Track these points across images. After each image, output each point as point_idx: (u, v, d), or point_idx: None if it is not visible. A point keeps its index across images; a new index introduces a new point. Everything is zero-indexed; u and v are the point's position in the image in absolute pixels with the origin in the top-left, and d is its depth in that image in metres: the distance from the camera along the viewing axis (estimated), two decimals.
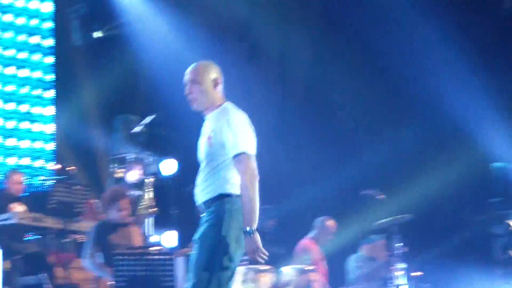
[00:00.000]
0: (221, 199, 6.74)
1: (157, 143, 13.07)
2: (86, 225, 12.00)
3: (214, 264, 6.67)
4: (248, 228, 6.50)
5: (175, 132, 14.44)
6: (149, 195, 12.08)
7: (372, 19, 16.10)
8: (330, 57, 16.32)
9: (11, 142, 15.64)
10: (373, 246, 12.84)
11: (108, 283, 10.20)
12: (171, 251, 11.21)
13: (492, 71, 15.72)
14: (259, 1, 16.68)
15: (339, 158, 16.20)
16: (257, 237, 6.53)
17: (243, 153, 6.68)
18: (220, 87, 7.01)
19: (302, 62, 16.60)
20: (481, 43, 15.93)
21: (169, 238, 12.60)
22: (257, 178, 6.83)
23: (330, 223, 13.25)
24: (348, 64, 16.23)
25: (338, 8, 16.02)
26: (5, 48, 15.72)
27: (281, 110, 16.49)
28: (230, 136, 6.69)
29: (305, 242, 13.15)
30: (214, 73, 7.00)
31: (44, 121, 16.23)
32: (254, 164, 6.87)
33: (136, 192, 12.56)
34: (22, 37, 15.88)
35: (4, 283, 11.32)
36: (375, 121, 16.49)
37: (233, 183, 6.89)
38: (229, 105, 6.93)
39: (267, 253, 6.83)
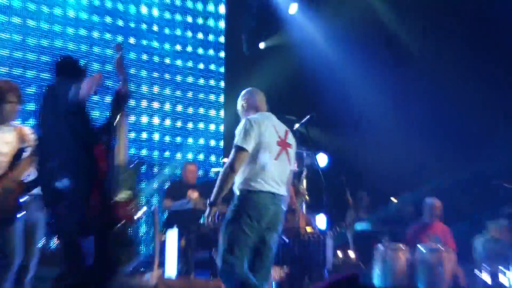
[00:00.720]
0: (235, 195, 7.79)
1: (310, 140, 13.63)
2: None
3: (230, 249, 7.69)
4: (208, 200, 7.74)
5: (326, 130, 14.94)
6: (303, 184, 12.37)
7: None
8: (473, 64, 15.59)
9: (189, 140, 16.20)
10: (500, 228, 12.67)
11: None
12: (323, 232, 11.41)
13: None
14: (406, 8, 16.20)
15: (471, 149, 15.53)
16: (213, 208, 7.63)
17: (235, 145, 7.70)
18: (248, 108, 8.29)
19: (447, 67, 15.85)
20: None
21: (321, 221, 12.61)
22: (233, 165, 7.66)
23: (436, 203, 13.01)
24: (486, 68, 15.50)
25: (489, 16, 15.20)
26: (186, 60, 16.34)
27: (426, 109, 16.09)
28: (236, 136, 7.90)
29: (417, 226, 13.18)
30: (241, 101, 8.43)
31: (216, 122, 16.73)
32: (238, 154, 7.68)
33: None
34: (200, 51, 16.48)
35: (179, 257, 12.03)
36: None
37: (242, 181, 7.79)
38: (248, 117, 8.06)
39: (212, 226, 8.16)
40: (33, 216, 8.40)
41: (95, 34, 15.49)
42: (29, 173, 8.27)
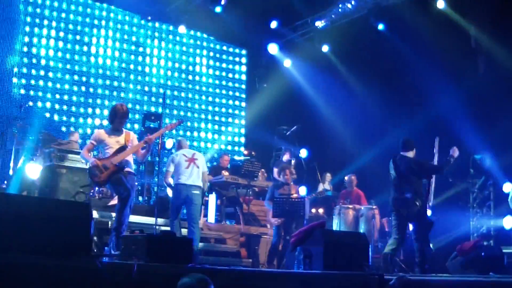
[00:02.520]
0: None
1: (296, 140, 15.40)
2: (260, 183, 14.17)
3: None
4: None
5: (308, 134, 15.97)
6: (292, 167, 14.07)
7: None
8: None
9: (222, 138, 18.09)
10: None
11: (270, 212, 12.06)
12: (303, 197, 12.48)
13: None
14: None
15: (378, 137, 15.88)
16: None
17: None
18: (177, 148, 11.47)
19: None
20: None
21: (302, 190, 13.71)
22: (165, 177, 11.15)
23: (352, 177, 14.14)
24: None
25: None
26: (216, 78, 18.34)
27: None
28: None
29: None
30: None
31: (238, 127, 18.56)
32: (166, 173, 11.27)
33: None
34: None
35: (216, 211, 13.61)
36: None
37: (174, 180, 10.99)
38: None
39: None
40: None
41: None
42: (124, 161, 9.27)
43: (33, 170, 11.82)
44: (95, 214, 10.19)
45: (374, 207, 13.31)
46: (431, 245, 12.64)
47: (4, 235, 6.28)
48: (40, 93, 15.26)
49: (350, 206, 13.39)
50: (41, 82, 15.33)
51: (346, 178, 14.28)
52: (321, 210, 14.51)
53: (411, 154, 10.40)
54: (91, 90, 16.16)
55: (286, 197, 12.09)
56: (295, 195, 12.55)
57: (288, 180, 12.37)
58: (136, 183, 11.23)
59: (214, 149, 17.77)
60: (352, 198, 13.79)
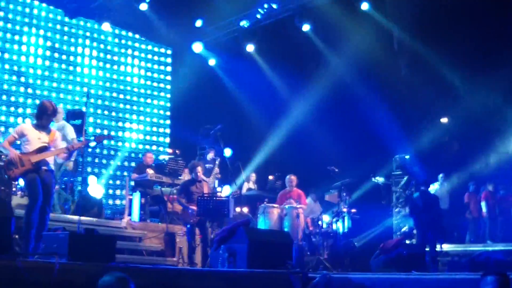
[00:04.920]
0: None
1: (221, 139, 15.61)
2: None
3: None
4: None
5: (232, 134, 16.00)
6: (217, 167, 14.17)
7: None
8: None
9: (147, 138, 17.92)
10: (330, 196, 14.50)
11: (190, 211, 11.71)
12: (227, 197, 12.47)
13: None
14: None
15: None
16: None
17: None
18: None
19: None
20: None
21: (226, 190, 14.45)
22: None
23: (292, 177, 13.99)
24: None
25: None
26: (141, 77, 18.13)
27: None
28: None
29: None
30: None
31: (164, 126, 18.37)
32: None
33: (211, 165, 14.28)
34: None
35: (140, 209, 13.37)
36: None
37: None
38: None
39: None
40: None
41: None
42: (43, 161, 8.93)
43: None
44: (17, 212, 9.82)
45: (299, 206, 13.36)
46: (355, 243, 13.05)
47: None
48: None
49: (275, 205, 13.46)
50: None
51: (287, 177, 14.16)
52: (245, 209, 14.54)
53: None
54: (21, 89, 15.93)
55: (210, 196, 11.92)
56: (219, 194, 12.70)
57: (199, 177, 12.21)
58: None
59: (138, 148, 17.57)
60: (294, 198, 13.77)
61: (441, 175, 16.14)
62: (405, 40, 16.05)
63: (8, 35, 16.03)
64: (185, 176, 14.01)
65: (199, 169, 12.22)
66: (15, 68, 16.01)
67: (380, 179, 15.30)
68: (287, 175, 14.14)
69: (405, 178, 15.26)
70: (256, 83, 17.48)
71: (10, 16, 16.14)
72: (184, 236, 12.24)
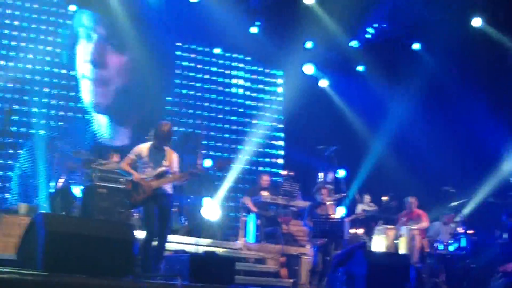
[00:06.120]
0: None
1: (335, 160, 15.04)
2: (299, 203, 13.92)
3: None
4: None
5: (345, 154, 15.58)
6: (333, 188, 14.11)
7: None
8: None
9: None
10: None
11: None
12: (342, 217, 12.84)
13: None
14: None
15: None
16: None
17: None
18: None
19: None
20: None
21: (340, 211, 14.03)
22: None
23: (411, 199, 13.86)
24: None
25: None
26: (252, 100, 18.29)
27: None
28: None
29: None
30: None
31: (276, 148, 18.46)
32: None
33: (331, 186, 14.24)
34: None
35: (255, 231, 13.50)
36: None
37: None
38: None
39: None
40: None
41: None
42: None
43: (74, 190, 11.85)
44: (138, 234, 10.03)
45: (414, 227, 13.22)
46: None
47: (50, 255, 6.37)
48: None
49: (390, 227, 13.47)
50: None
51: (406, 199, 14.06)
52: (360, 231, 14.35)
53: None
54: None
55: (325, 217, 12.01)
56: (334, 216, 12.52)
57: (324, 200, 12.32)
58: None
59: (251, 170, 17.64)
60: (413, 219, 13.71)
61: None
62: None
63: None
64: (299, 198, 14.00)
65: (324, 191, 12.32)
66: None
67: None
68: (406, 197, 14.03)
69: None
70: (367, 103, 17.37)
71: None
72: (303, 258, 12.29)
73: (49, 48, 15.25)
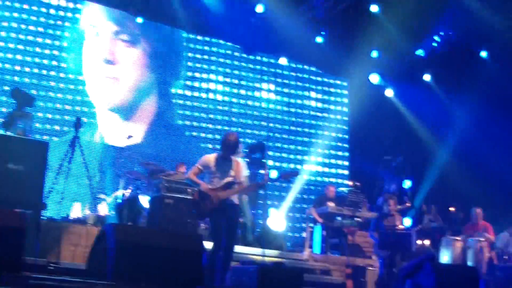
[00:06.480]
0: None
1: (402, 171, 15.40)
2: (365, 214, 13.71)
3: None
4: None
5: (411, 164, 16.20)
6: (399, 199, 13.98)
7: None
8: None
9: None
10: None
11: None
12: (408, 228, 12.74)
13: None
14: None
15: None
16: None
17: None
18: None
19: None
20: None
21: (407, 222, 13.93)
22: None
23: (478, 210, 13.58)
24: None
25: None
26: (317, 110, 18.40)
27: None
28: None
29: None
30: None
31: (342, 158, 18.42)
32: None
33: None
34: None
35: (321, 242, 13.64)
36: None
37: None
38: None
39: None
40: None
41: None
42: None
43: (141, 200, 11.99)
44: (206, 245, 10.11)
45: (482, 239, 12.99)
46: None
47: (120, 265, 6.45)
48: None
49: (458, 238, 13.19)
50: None
51: (473, 210, 13.85)
52: (427, 242, 14.19)
53: None
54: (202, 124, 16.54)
55: (392, 228, 12.02)
56: (401, 227, 12.49)
57: (392, 211, 12.32)
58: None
59: (316, 180, 17.59)
60: (479, 231, 13.47)
61: None
62: None
63: (189, 73, 16.62)
64: (364, 208, 13.93)
65: (391, 202, 12.33)
66: (195, 103, 16.57)
67: None
68: (472, 208, 13.79)
69: None
70: (434, 112, 17.18)
71: (189, 54, 16.72)
72: (369, 269, 12.21)
73: None
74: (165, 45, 16.45)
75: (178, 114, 16.33)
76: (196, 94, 16.67)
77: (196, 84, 16.76)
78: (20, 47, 14.61)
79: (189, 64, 16.75)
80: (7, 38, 14.48)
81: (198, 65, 16.85)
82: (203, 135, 16.49)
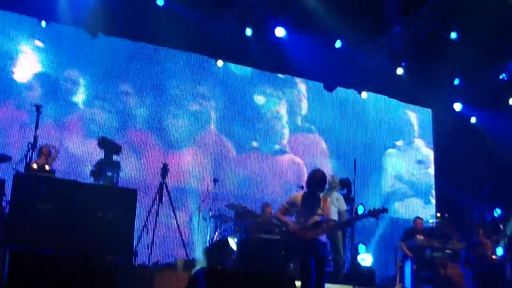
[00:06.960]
0: None
1: (490, 200, 15.14)
2: (455, 245, 13.56)
3: None
4: None
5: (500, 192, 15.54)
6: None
7: None
8: None
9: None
10: None
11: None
12: (502, 258, 12.29)
13: None
14: None
15: None
16: None
17: None
18: None
19: None
20: None
21: (500, 252, 13.06)
22: None
23: None
24: None
25: None
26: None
27: None
28: None
29: None
30: None
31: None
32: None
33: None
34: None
35: (412, 276, 13.45)
36: None
37: None
38: None
39: None
40: None
41: None
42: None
43: (230, 242, 12.10)
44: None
45: None
46: None
47: None
48: None
49: None
50: None
51: None
52: None
53: None
54: None
55: (485, 259, 11.86)
56: (494, 256, 12.27)
57: (482, 240, 12.09)
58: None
59: (403, 213, 17.40)
60: None
61: None
62: None
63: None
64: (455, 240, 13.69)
65: (481, 231, 12.23)
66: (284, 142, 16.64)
67: None
68: None
69: None
70: None
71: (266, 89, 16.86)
72: None
73: None
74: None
75: None
76: None
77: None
78: None
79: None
80: None
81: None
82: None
